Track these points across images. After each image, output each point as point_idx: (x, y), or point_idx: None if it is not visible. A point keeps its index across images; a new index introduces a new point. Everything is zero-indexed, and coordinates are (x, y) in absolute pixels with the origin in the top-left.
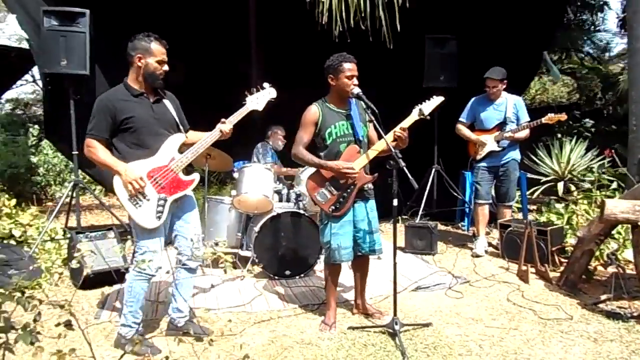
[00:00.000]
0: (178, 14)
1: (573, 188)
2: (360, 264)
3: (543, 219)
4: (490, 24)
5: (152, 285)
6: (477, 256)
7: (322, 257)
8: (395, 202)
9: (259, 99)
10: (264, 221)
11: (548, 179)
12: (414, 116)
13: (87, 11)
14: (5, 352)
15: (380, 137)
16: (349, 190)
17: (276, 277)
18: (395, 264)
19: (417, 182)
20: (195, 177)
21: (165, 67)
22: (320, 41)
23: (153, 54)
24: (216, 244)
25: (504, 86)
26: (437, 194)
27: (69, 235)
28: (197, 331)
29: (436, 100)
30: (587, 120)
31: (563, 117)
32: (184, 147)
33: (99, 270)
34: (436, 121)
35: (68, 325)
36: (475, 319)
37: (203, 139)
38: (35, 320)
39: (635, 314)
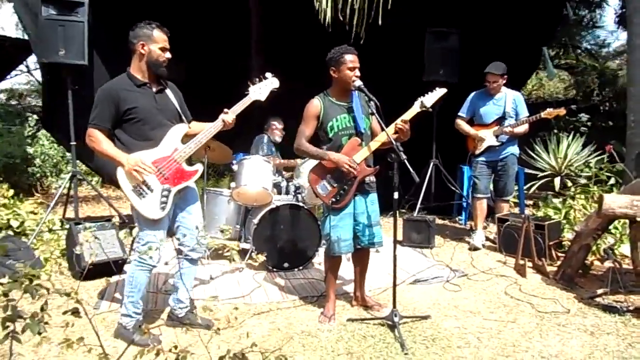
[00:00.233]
0: (177, 4)
1: (570, 183)
2: (360, 257)
3: (540, 213)
4: (490, 19)
5: (152, 276)
6: (475, 250)
7: (321, 249)
8: (396, 195)
9: (262, 89)
10: (263, 213)
11: (545, 174)
12: (415, 108)
13: (86, 0)
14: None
15: (382, 129)
16: (349, 183)
17: (275, 270)
18: (395, 256)
19: (417, 176)
20: (199, 167)
21: (168, 55)
22: (319, 34)
23: (155, 41)
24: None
25: (504, 81)
26: (435, 188)
27: (67, 226)
28: (196, 322)
29: (438, 92)
30: (582, 115)
31: (562, 111)
32: (186, 138)
33: (98, 261)
34: (435, 115)
35: (75, 312)
36: (473, 311)
37: (206, 130)
38: (42, 309)
39: (631, 308)
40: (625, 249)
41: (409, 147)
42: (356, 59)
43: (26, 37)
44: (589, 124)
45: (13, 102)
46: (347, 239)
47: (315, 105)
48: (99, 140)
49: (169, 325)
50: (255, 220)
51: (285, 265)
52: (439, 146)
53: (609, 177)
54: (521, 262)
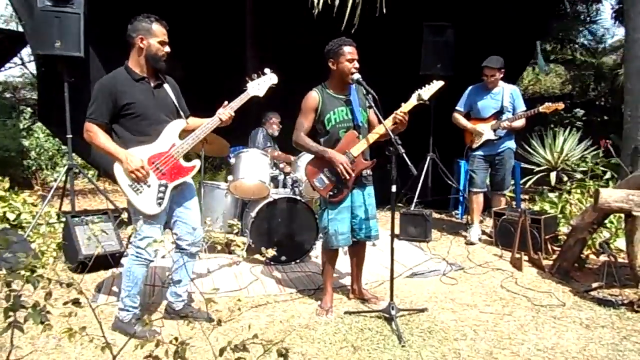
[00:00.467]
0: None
1: (565, 178)
2: (357, 250)
3: (536, 208)
4: (484, 12)
5: (149, 270)
6: (471, 244)
7: (318, 243)
8: (393, 188)
9: (260, 84)
10: (260, 207)
11: (541, 168)
12: (412, 101)
13: None
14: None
15: (380, 122)
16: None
17: (272, 263)
18: (392, 250)
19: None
20: (196, 163)
21: (167, 48)
22: (315, 28)
23: (155, 35)
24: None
25: (502, 75)
26: (432, 182)
27: (63, 219)
28: (195, 315)
29: (436, 85)
30: (578, 110)
31: (560, 106)
32: (184, 133)
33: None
34: (432, 109)
35: (76, 303)
36: (470, 304)
37: (204, 125)
38: (46, 299)
39: (626, 302)
40: (620, 243)
41: (406, 141)
42: (355, 50)
43: (21, 29)
44: (584, 118)
45: (7, 95)
46: (345, 232)
47: (314, 97)
48: (96, 134)
49: (168, 318)
50: (253, 214)
51: (283, 258)
52: (436, 140)
53: (604, 172)
54: (517, 255)
